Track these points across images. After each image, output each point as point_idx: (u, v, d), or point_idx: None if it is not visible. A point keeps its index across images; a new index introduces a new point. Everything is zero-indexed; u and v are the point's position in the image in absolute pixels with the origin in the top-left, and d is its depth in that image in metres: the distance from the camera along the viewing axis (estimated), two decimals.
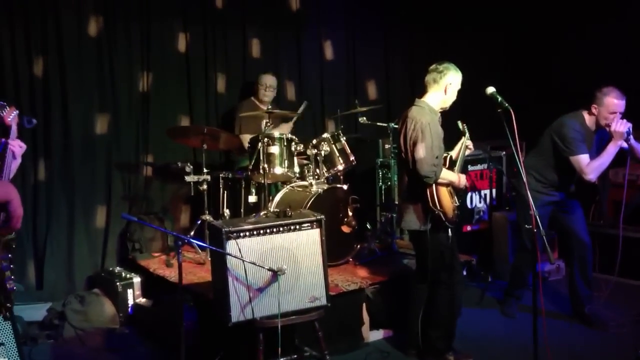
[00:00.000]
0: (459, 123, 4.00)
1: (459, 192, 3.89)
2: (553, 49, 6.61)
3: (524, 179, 3.33)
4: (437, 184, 3.66)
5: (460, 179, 3.81)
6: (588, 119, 4.29)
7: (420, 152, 3.59)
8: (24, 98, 4.84)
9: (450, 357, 3.81)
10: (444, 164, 3.78)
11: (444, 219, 3.67)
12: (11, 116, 3.02)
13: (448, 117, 3.90)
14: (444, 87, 3.73)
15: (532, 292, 3.10)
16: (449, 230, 3.74)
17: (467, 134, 3.98)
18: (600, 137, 4.32)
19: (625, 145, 4.19)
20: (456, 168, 3.91)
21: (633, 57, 5.93)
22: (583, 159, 4.19)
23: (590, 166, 4.18)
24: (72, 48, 5.03)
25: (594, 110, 4.23)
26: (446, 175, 3.72)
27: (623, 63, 5.93)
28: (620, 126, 4.11)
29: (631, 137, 4.15)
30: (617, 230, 5.37)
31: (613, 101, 4.14)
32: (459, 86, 3.77)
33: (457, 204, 3.83)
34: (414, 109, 3.74)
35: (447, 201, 3.71)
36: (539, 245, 3.27)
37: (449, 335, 3.85)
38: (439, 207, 3.64)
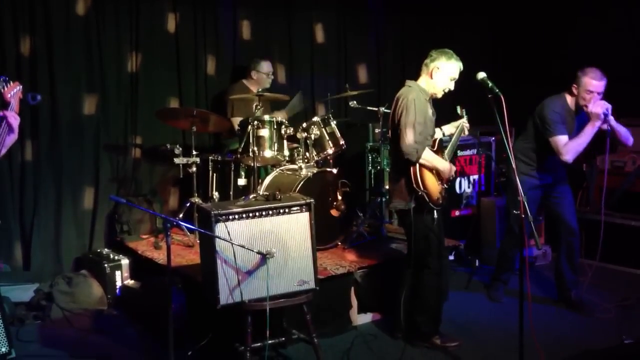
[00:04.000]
0: (458, 108, 4.01)
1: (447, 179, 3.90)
2: (544, 33, 6.62)
3: (513, 165, 3.33)
4: (422, 165, 3.67)
5: (449, 169, 3.81)
6: (570, 100, 4.30)
7: (403, 129, 3.60)
8: (10, 77, 4.73)
9: (437, 340, 3.85)
10: (432, 146, 3.78)
11: (427, 200, 3.67)
12: (12, 92, 2.94)
13: (442, 102, 3.90)
14: (431, 71, 3.74)
15: (519, 276, 3.13)
16: (435, 212, 3.74)
17: (466, 118, 3.99)
18: (584, 119, 4.31)
19: (605, 126, 4.19)
20: (446, 151, 3.92)
21: (626, 41, 5.94)
22: (560, 139, 4.20)
23: (567, 147, 4.18)
24: (60, 27, 4.97)
25: (574, 90, 4.24)
26: (433, 160, 3.72)
27: (614, 46, 5.95)
28: (597, 107, 4.10)
29: (611, 118, 4.14)
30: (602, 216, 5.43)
31: (591, 81, 4.13)
32: (451, 74, 3.75)
33: (445, 186, 3.83)
34: (402, 89, 3.78)
35: (432, 182, 3.71)
36: (526, 231, 3.28)
37: (435, 319, 3.88)
38: (422, 188, 3.64)
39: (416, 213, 3.71)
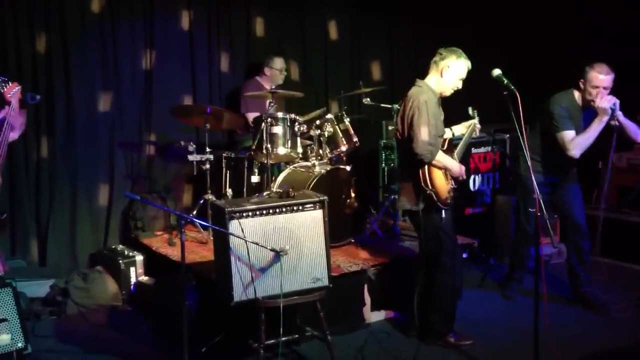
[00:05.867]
0: (470, 109, 3.99)
1: (457, 179, 3.86)
2: (554, 30, 6.56)
3: (529, 162, 3.30)
4: (432, 165, 3.66)
5: (459, 168, 3.79)
6: (577, 96, 4.27)
7: (417, 130, 3.59)
8: (26, 75, 4.82)
9: (451, 339, 3.84)
10: (442, 146, 3.77)
11: (435, 199, 3.66)
12: (12, 92, 3.01)
13: (452, 100, 3.88)
14: (441, 69, 3.72)
15: (535, 275, 3.10)
16: (443, 211, 3.72)
17: (477, 119, 3.99)
18: (591, 115, 4.24)
19: (614, 122, 4.14)
20: (457, 151, 3.91)
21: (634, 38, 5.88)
22: (567, 134, 4.16)
23: (574, 142, 4.15)
24: (75, 25, 5.00)
25: (581, 85, 4.20)
26: (444, 159, 3.71)
27: (626, 43, 5.89)
28: (604, 102, 4.06)
29: (619, 113, 4.10)
30: (619, 214, 5.40)
31: (597, 75, 4.09)
32: (461, 73, 3.74)
33: (454, 186, 3.82)
34: (413, 89, 3.77)
35: (440, 181, 3.70)
36: (542, 229, 3.25)
37: (448, 318, 3.87)
38: (430, 187, 3.64)
39: (424, 213, 3.70)
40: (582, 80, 4.19)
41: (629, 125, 4.19)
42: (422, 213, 3.70)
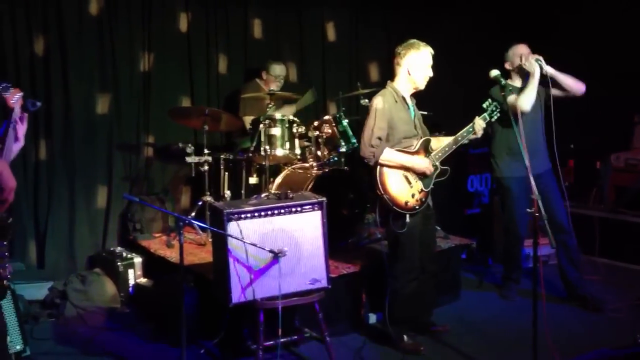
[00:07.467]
0: (488, 101, 3.88)
1: (425, 177, 3.70)
2: (551, 29, 6.58)
3: (527, 162, 3.27)
4: (386, 167, 3.62)
5: (419, 163, 3.66)
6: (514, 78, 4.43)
7: (362, 134, 3.63)
8: (24, 77, 4.81)
9: (400, 343, 3.78)
10: (411, 147, 3.70)
11: (391, 204, 3.59)
12: (15, 98, 3.01)
13: (447, 94, 3.87)
14: (406, 68, 3.72)
15: (532, 275, 3.10)
16: (407, 216, 3.63)
17: (483, 115, 3.83)
18: None
19: (540, 71, 4.19)
20: (432, 155, 3.77)
21: (631, 35, 5.88)
22: (511, 98, 4.08)
23: (520, 100, 4.14)
24: (73, 27, 4.99)
25: (507, 67, 4.37)
26: (395, 157, 3.62)
27: (620, 42, 5.89)
28: (530, 61, 4.18)
29: (547, 67, 4.18)
30: (616, 214, 5.40)
31: (516, 46, 4.38)
32: (427, 61, 3.71)
33: (426, 189, 3.70)
34: (380, 92, 3.77)
35: (397, 185, 3.63)
36: (540, 230, 3.26)
37: (395, 323, 3.77)
38: (382, 191, 3.59)
39: (383, 219, 3.67)
40: (507, 62, 4.40)
41: (560, 76, 4.24)
42: (381, 220, 3.67)
